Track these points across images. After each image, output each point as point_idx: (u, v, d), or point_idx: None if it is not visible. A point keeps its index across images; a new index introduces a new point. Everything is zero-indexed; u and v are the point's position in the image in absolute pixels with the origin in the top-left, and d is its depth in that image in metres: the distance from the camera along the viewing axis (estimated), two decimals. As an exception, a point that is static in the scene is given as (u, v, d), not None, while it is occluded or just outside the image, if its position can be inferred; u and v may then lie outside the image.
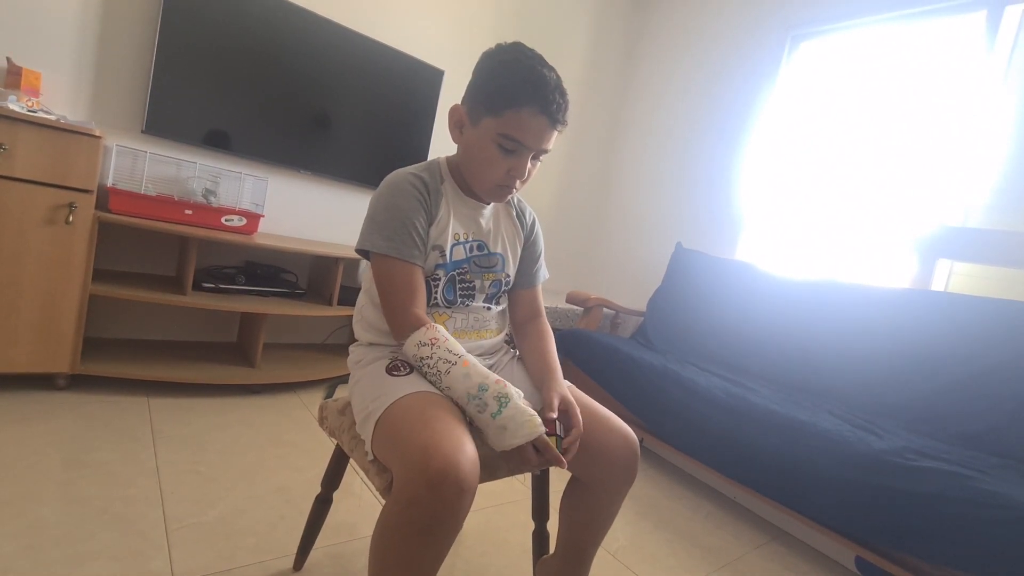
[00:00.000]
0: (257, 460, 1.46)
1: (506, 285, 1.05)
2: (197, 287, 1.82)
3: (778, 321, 2.13)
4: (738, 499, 1.85)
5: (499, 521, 1.42)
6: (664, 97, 3.07)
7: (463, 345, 0.87)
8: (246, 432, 1.61)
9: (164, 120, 1.86)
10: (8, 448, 1.28)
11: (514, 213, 1.07)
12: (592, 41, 3.11)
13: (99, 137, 1.52)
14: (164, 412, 1.62)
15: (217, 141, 1.98)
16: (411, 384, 0.83)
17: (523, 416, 0.77)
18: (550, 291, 2.97)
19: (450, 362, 0.81)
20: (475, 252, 0.99)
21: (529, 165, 0.90)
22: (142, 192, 1.76)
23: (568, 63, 3.03)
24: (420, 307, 0.88)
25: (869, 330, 1.90)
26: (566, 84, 0.88)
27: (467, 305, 0.98)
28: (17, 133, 1.41)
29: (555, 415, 0.85)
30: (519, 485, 1.64)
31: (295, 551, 1.09)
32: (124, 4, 1.80)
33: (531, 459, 0.79)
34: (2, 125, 1.38)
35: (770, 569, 1.46)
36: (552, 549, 1.09)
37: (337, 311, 2.03)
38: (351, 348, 1.01)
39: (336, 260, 2.03)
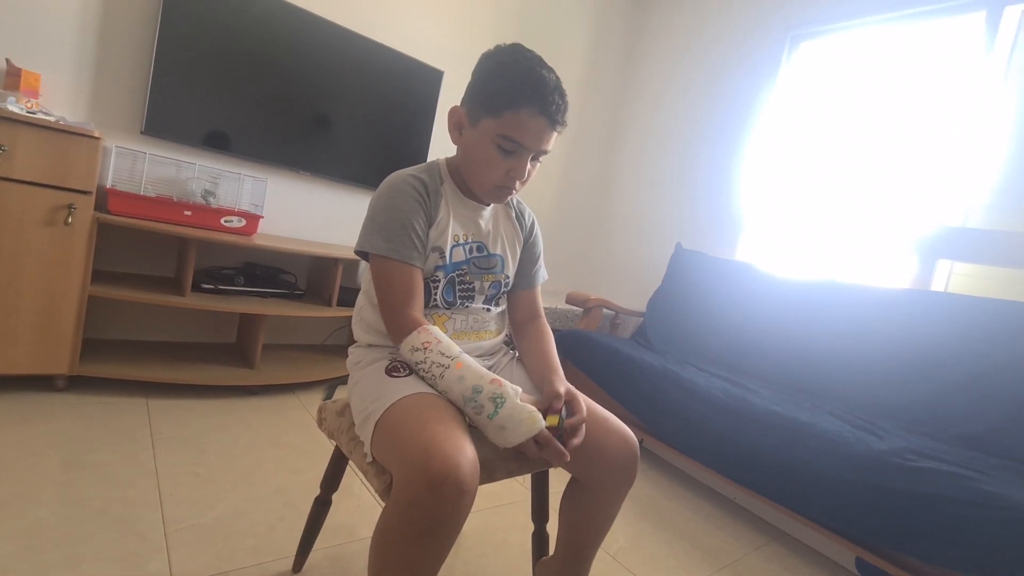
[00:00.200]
0: (256, 461, 1.46)
1: (505, 286, 1.05)
2: (196, 288, 1.82)
3: (778, 322, 2.13)
4: (738, 500, 1.85)
5: (498, 522, 1.42)
6: (664, 97, 3.06)
7: (462, 346, 0.87)
8: (245, 433, 1.61)
9: (163, 121, 1.86)
10: (7, 449, 1.28)
11: (513, 214, 1.07)
12: (592, 41, 3.11)
13: (98, 138, 1.52)
14: (163, 413, 1.62)
15: (216, 142, 1.98)
16: (410, 385, 0.82)
17: (521, 414, 0.77)
18: (550, 292, 2.97)
19: (443, 366, 0.81)
20: (475, 253, 0.99)
21: (528, 166, 0.90)
22: (141, 193, 1.76)
23: (568, 63, 3.03)
24: (417, 309, 0.88)
25: (869, 331, 1.90)
26: (566, 84, 0.89)
27: (466, 306, 0.98)
28: (16, 134, 1.41)
29: (561, 405, 0.85)
30: (518, 486, 1.64)
31: (294, 552, 1.09)
32: (124, 5, 1.80)
33: (533, 455, 0.79)
34: (1, 126, 1.38)
35: (770, 570, 1.46)
36: (552, 550, 1.09)
37: (336, 312, 2.03)
38: (350, 349, 1.01)
39: (335, 261, 2.03)
